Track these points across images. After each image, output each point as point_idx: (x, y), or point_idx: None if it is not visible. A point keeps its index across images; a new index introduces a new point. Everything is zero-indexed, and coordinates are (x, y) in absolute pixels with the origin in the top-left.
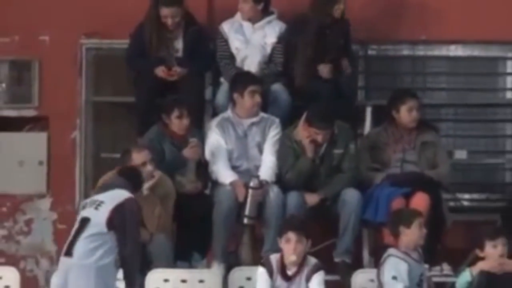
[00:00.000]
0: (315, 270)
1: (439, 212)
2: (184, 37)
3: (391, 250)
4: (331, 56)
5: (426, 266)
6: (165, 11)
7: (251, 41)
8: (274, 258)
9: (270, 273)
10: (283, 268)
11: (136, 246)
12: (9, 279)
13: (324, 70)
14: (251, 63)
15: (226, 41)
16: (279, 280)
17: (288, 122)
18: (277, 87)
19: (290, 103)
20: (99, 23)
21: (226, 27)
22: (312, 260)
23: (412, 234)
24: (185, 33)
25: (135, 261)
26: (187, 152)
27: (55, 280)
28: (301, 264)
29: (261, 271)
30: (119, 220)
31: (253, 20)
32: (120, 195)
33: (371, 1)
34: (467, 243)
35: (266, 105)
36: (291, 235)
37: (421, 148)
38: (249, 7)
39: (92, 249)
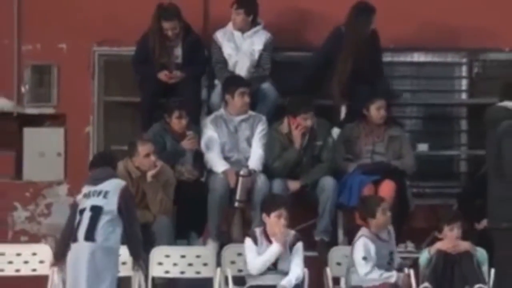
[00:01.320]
0: (295, 240)
1: (404, 197)
2: (183, 45)
3: (363, 230)
4: (366, 73)
5: None
6: (166, 25)
7: (241, 49)
8: (258, 230)
9: (255, 242)
10: (267, 236)
11: (138, 225)
12: (43, 255)
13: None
14: (241, 68)
15: (219, 48)
16: (264, 246)
17: (275, 117)
18: (266, 86)
19: (277, 100)
20: (109, 33)
21: (219, 35)
22: (292, 232)
23: (378, 220)
24: (183, 42)
25: (139, 238)
26: (185, 144)
27: (81, 264)
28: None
29: (247, 240)
30: (124, 205)
31: (243, 29)
32: (117, 184)
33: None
34: (428, 224)
35: (255, 103)
36: (284, 212)
37: (388, 141)
38: (241, 19)
39: (110, 233)
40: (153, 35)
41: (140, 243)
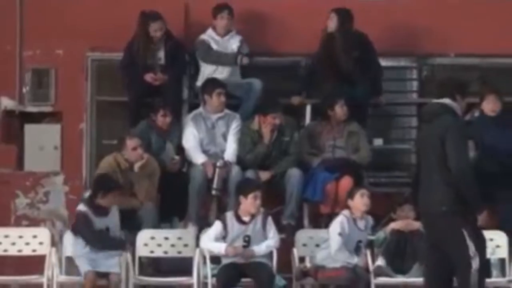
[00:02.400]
0: (266, 216)
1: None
2: (165, 48)
3: (345, 212)
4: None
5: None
6: (154, 26)
7: (224, 49)
8: (229, 214)
9: (224, 224)
10: (238, 217)
11: (95, 243)
12: (42, 237)
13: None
14: (223, 69)
15: (208, 45)
16: (236, 226)
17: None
18: (252, 80)
19: (262, 92)
20: (101, 41)
21: (206, 38)
22: (261, 209)
23: (356, 203)
24: (165, 45)
25: (103, 245)
26: (170, 165)
27: None
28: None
29: (217, 222)
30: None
31: (225, 33)
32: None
33: (315, 23)
34: (383, 209)
35: (242, 97)
36: (259, 194)
37: (347, 137)
38: (225, 23)
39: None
40: (138, 39)
41: (108, 246)
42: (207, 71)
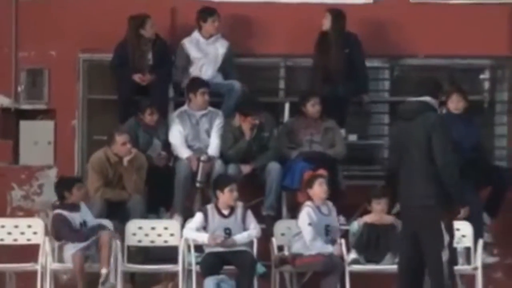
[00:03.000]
0: (245, 210)
1: (335, 180)
2: (153, 49)
3: (308, 203)
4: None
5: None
6: (149, 22)
7: (207, 54)
8: (209, 206)
9: (205, 216)
10: (218, 210)
11: (78, 238)
12: (36, 227)
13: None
14: (207, 71)
15: (186, 55)
16: (217, 219)
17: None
18: (233, 81)
19: (241, 93)
20: (92, 43)
21: (187, 42)
22: (239, 203)
23: (316, 191)
24: (153, 46)
25: (86, 238)
26: (157, 160)
27: None
28: (234, 206)
29: (198, 214)
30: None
31: (208, 36)
32: None
33: (296, 25)
34: (357, 201)
35: (223, 96)
36: (234, 186)
37: (324, 132)
38: (217, 26)
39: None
40: (131, 42)
41: (90, 235)
42: (193, 72)
